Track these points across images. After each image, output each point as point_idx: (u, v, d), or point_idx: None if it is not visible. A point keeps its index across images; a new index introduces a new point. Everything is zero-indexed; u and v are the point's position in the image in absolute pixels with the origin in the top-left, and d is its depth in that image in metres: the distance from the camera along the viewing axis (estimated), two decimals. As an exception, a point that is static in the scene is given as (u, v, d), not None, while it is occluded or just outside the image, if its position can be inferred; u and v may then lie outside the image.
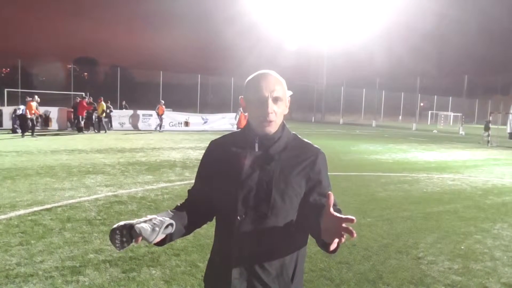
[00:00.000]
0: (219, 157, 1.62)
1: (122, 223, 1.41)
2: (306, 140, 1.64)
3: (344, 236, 1.25)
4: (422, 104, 63.98)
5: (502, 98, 67.48)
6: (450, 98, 62.27)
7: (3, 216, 5.38)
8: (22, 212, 5.62)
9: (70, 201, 6.31)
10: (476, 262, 4.49)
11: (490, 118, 23.89)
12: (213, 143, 1.70)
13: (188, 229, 1.64)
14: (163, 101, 22.98)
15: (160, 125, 22.52)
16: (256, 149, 1.55)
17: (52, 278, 3.64)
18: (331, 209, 1.30)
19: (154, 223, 1.40)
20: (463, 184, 9.42)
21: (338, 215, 1.28)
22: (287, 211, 1.52)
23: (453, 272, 4.18)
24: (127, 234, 1.38)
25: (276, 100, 1.51)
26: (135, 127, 23.16)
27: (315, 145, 1.63)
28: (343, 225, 1.24)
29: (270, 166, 1.52)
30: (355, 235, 1.23)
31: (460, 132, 33.99)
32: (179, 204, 1.69)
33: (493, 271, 4.26)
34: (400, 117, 59.53)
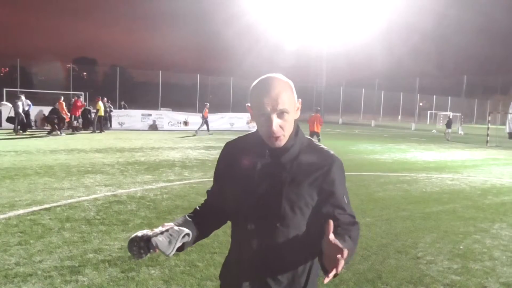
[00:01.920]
0: (232, 161, 1.58)
1: (139, 234, 1.40)
2: (321, 145, 1.55)
3: (339, 268, 1.18)
4: (421, 104, 64.03)
5: (501, 98, 67.45)
6: (449, 98, 62.33)
7: (2, 216, 5.38)
8: (21, 211, 5.62)
9: (69, 201, 6.30)
10: (475, 262, 4.49)
11: (451, 116, 27.47)
12: (227, 146, 1.65)
13: (207, 231, 1.65)
14: (208, 104, 22.04)
15: (208, 128, 21.51)
16: (267, 157, 1.48)
17: (51, 277, 3.64)
18: (331, 236, 1.24)
19: (171, 235, 1.40)
20: (462, 184, 9.42)
21: (338, 244, 1.22)
22: (299, 222, 1.46)
23: (452, 272, 4.18)
24: (145, 246, 1.37)
25: (281, 114, 1.39)
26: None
27: (331, 151, 1.52)
28: (338, 256, 1.18)
29: (280, 176, 1.45)
30: (334, 272, 1.18)
31: (459, 132, 34.01)
32: (198, 208, 1.68)
33: (492, 270, 4.27)
34: (399, 117, 59.60)
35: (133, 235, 1.40)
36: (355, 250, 1.48)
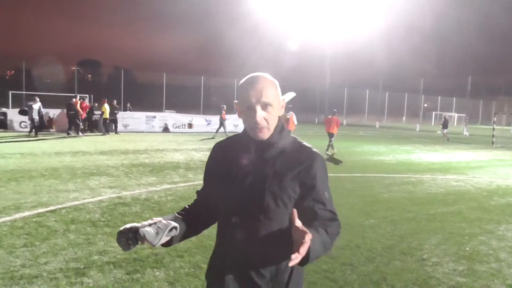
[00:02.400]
0: (219, 159, 1.66)
1: (128, 226, 1.45)
2: (305, 143, 1.61)
3: (302, 250, 1.24)
4: (425, 105, 63.79)
5: (507, 98, 67.19)
6: (454, 99, 62.05)
7: (7, 218, 5.41)
8: (26, 213, 5.64)
9: (74, 203, 6.33)
10: (481, 264, 4.46)
11: (446, 117, 27.88)
12: (216, 146, 1.74)
13: (196, 228, 1.69)
14: (225, 106, 21.91)
15: (225, 129, 21.41)
16: (252, 153, 1.54)
17: (57, 279, 3.65)
18: (297, 222, 1.30)
19: (159, 227, 1.45)
20: (468, 185, 9.37)
21: (303, 228, 1.28)
22: (281, 215, 1.50)
23: (458, 274, 4.16)
24: (133, 237, 1.42)
25: (265, 106, 1.48)
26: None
27: (315, 149, 1.59)
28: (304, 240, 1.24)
29: (264, 170, 1.51)
30: (297, 255, 1.23)
31: (464, 133, 33.85)
32: (187, 206, 1.74)
33: (498, 272, 4.24)
34: (404, 118, 59.38)
35: (122, 227, 1.45)
36: (332, 246, 1.50)
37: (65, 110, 20.08)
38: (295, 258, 1.24)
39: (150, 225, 1.44)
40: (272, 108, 1.50)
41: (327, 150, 14.81)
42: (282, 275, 1.52)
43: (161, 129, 23.49)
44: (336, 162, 12.95)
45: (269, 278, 1.51)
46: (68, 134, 18.69)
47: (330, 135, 14.91)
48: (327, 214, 1.53)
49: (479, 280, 4.03)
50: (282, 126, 1.58)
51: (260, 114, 1.47)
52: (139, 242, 1.43)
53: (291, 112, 14.89)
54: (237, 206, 1.52)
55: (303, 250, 1.24)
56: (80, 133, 19.11)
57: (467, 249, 4.93)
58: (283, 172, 1.50)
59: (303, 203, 1.51)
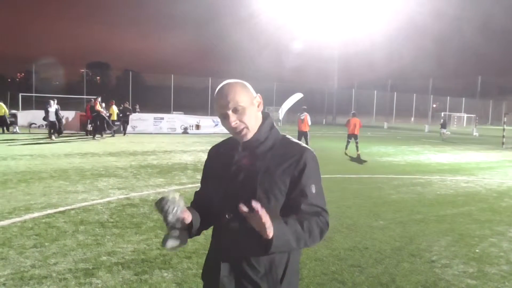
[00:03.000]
0: (213, 159, 1.74)
1: (170, 216, 1.47)
2: (295, 140, 1.63)
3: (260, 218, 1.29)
4: (434, 105, 63.33)
5: (517, 99, 66.34)
6: (464, 99, 61.49)
7: (18, 219, 5.46)
8: (36, 214, 5.70)
9: (83, 204, 6.37)
10: (492, 266, 4.41)
11: (443, 115, 29.29)
12: (211, 149, 1.80)
13: (200, 229, 1.70)
14: None
15: None
16: (243, 151, 1.59)
17: (66, 280, 3.68)
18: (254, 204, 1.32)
19: (180, 240, 1.53)
20: (477, 186, 9.27)
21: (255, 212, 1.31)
22: (274, 210, 1.51)
23: (468, 276, 4.11)
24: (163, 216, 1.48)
25: (235, 109, 1.53)
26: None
27: (304, 145, 1.61)
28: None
29: (255, 166, 1.55)
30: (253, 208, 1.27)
31: (474, 134, 33.52)
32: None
33: (509, 275, 4.18)
34: (413, 119, 58.98)
35: (169, 212, 1.46)
36: (311, 240, 1.49)
37: (80, 112, 20.32)
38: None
39: (177, 235, 1.51)
40: (245, 109, 1.54)
41: (357, 150, 14.76)
42: (276, 270, 1.53)
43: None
44: (344, 162, 12.90)
45: (263, 273, 1.52)
46: (100, 136, 18.64)
47: (355, 137, 15.17)
48: (312, 208, 1.52)
49: (489, 282, 3.98)
50: (271, 124, 1.62)
51: (232, 119, 1.53)
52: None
53: (305, 113, 15.12)
54: (230, 203, 1.53)
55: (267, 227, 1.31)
56: (102, 134, 19.05)
57: (477, 251, 4.87)
58: (273, 167, 1.53)
59: (289, 196, 1.53)
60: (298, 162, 1.54)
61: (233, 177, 1.56)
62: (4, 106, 20.03)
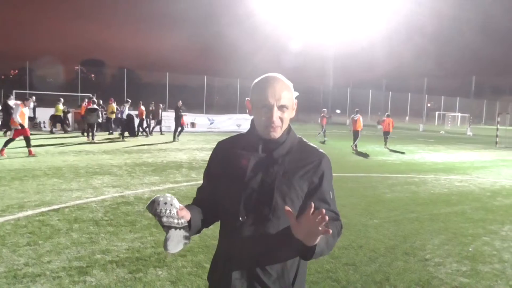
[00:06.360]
0: (224, 158, 1.63)
1: (165, 219, 1.44)
2: (311, 144, 1.63)
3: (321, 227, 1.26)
4: (429, 104, 63.64)
5: (511, 98, 66.85)
6: (458, 98, 61.81)
7: (11, 217, 5.43)
8: (30, 212, 5.67)
9: (77, 202, 6.35)
10: (484, 264, 4.44)
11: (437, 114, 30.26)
12: (219, 144, 1.71)
13: (200, 228, 1.67)
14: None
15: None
16: (260, 152, 1.55)
17: (60, 278, 3.67)
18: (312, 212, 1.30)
19: (184, 242, 1.48)
20: (471, 185, 9.34)
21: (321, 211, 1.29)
22: None
23: (461, 274, 4.14)
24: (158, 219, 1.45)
25: (282, 108, 1.51)
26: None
27: (320, 149, 1.62)
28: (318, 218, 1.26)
29: (273, 169, 1.52)
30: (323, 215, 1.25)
31: (468, 133, 33.73)
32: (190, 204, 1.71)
33: (501, 273, 4.22)
34: (407, 118, 59.22)
35: (166, 214, 1.43)
36: (333, 246, 1.52)
37: (77, 110, 20.21)
38: (325, 232, 1.27)
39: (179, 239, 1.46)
40: (288, 110, 1.53)
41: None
42: (288, 274, 1.52)
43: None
44: (339, 162, 12.94)
45: (275, 277, 1.51)
46: (123, 137, 18.20)
47: (388, 134, 18.31)
48: (331, 214, 1.53)
49: (482, 281, 4.01)
50: (289, 127, 1.60)
51: (277, 114, 1.50)
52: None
53: (359, 115, 17.13)
54: (245, 206, 1.51)
55: (322, 231, 1.27)
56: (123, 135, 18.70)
57: (471, 249, 4.91)
58: (292, 170, 1.52)
59: (308, 202, 1.50)
60: (317, 168, 1.54)
61: (250, 179, 1.52)
62: (61, 106, 19.97)
